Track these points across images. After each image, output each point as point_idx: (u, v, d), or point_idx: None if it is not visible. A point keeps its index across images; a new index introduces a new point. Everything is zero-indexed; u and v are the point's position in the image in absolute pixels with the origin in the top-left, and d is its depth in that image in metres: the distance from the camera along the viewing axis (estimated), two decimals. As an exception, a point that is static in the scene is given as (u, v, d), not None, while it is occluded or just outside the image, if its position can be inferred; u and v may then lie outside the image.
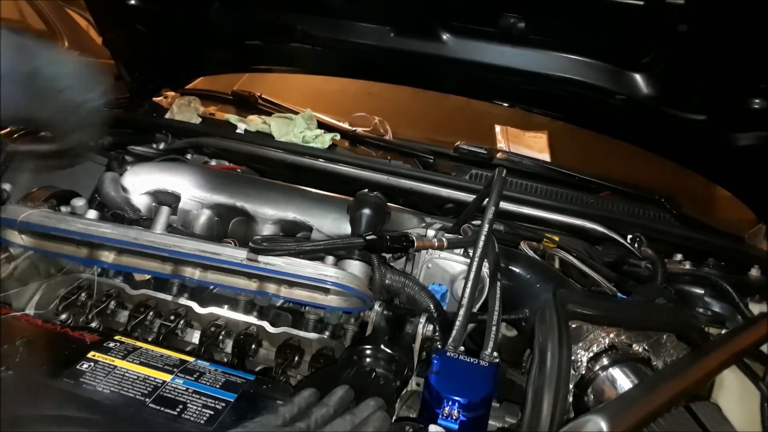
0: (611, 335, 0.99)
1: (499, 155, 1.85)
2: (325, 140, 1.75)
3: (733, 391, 1.05)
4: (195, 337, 1.17)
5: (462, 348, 0.98)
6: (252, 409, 0.85)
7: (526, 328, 1.15)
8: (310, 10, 1.72)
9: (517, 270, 1.22)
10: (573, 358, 0.96)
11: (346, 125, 1.99)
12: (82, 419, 0.81)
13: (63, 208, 1.25)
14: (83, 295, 1.19)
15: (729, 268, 1.40)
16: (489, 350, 0.98)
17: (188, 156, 1.70)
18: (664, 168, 1.75)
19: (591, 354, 0.98)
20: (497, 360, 0.97)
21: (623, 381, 0.95)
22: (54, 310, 1.18)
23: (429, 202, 1.54)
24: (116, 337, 0.98)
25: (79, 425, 0.80)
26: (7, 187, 1.26)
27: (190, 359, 0.96)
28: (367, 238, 1.11)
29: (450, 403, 0.85)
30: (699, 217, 1.66)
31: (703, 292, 1.29)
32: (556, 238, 1.38)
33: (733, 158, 1.52)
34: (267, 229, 1.36)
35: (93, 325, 1.15)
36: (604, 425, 0.72)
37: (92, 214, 1.21)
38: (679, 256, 1.47)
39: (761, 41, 1.25)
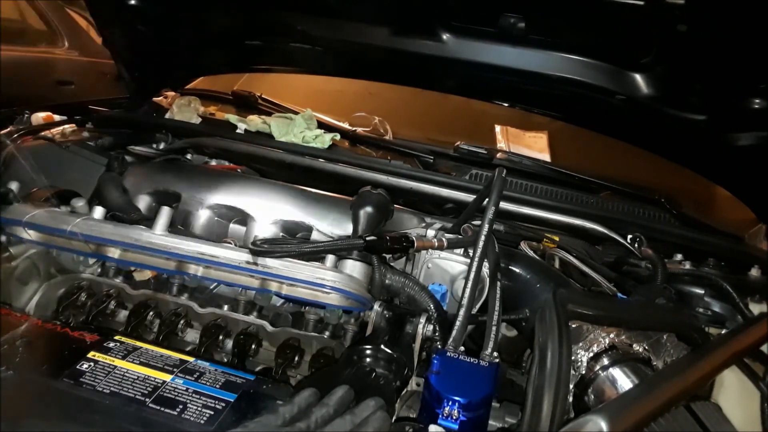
0: (611, 335, 0.99)
1: (499, 155, 1.85)
2: (325, 140, 1.74)
3: (733, 391, 1.05)
4: (195, 337, 1.17)
5: (462, 348, 0.98)
6: (252, 409, 0.85)
7: (526, 328, 1.15)
8: (310, 10, 1.72)
9: (517, 270, 1.21)
10: (573, 358, 0.96)
11: (346, 125, 1.99)
12: (82, 419, 0.81)
13: (63, 208, 1.24)
14: (83, 295, 1.19)
15: (729, 268, 1.40)
16: (489, 350, 0.98)
17: (188, 156, 1.70)
18: (664, 168, 1.75)
19: (591, 354, 0.98)
20: (497, 360, 0.97)
21: (623, 381, 0.95)
22: (54, 310, 1.18)
23: (429, 202, 1.54)
24: (116, 337, 0.98)
25: (79, 425, 0.80)
26: (14, 186, 1.26)
27: (190, 359, 0.96)
28: (367, 239, 1.11)
29: (450, 403, 0.85)
30: (699, 217, 1.66)
31: (703, 292, 1.29)
32: (556, 238, 1.37)
33: (733, 158, 1.52)
34: (267, 229, 1.35)
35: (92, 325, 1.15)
36: (604, 425, 0.72)
37: (98, 212, 1.21)
38: (679, 256, 1.47)
39: (761, 41, 1.25)
